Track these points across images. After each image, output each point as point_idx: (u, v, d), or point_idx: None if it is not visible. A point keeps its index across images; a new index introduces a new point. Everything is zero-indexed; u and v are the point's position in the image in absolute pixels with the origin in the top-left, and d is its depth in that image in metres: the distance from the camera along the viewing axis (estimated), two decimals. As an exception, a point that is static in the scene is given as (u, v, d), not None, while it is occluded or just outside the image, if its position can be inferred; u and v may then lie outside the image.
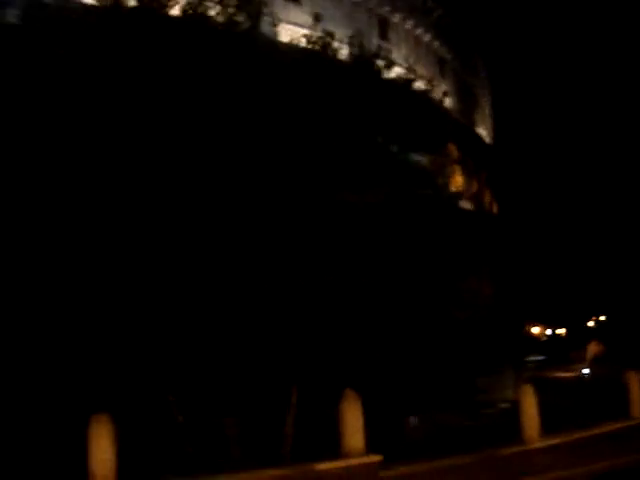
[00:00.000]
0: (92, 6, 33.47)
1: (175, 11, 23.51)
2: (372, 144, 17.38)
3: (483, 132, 54.15)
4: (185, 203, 15.34)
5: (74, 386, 14.23)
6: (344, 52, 39.94)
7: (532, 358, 58.68)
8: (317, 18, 23.24)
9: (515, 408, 25.92)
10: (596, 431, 18.43)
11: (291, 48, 29.81)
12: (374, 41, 43.73)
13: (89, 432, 13.33)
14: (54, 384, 14.23)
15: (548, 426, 18.61)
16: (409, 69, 31.14)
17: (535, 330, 72.95)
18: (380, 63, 20.98)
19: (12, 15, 32.47)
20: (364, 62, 20.66)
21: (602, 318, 74.43)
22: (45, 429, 14.45)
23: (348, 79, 18.35)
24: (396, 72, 23.19)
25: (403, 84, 21.92)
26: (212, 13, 18.82)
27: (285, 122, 15.99)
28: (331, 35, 20.83)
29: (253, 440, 15.68)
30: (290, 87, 16.66)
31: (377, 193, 15.91)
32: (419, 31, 47.68)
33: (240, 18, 18.29)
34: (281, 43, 34.31)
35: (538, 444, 17.72)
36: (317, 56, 19.79)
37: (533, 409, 18.19)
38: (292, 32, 39.12)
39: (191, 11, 20.53)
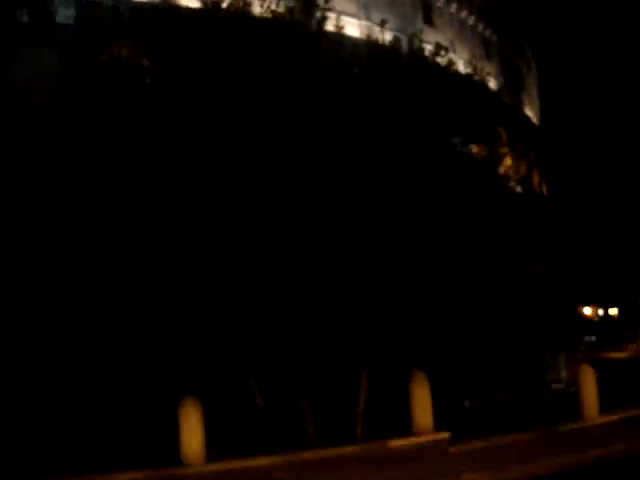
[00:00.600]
0: (141, 3, 34.87)
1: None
2: (436, 137, 18.42)
3: (530, 113, 54.50)
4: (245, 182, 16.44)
5: (164, 371, 15.54)
6: (388, 38, 40.87)
7: (585, 339, 59.08)
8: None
9: (569, 389, 26.76)
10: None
11: (342, 38, 30.93)
12: (418, 26, 44.49)
13: (180, 413, 14.62)
14: (147, 369, 15.57)
15: (606, 405, 19.47)
16: (475, 63, 32.21)
17: (587, 310, 73.17)
18: (442, 60, 21.97)
19: (64, 15, 34.11)
20: (422, 58, 21.62)
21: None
22: (139, 411, 15.81)
23: (409, 73, 19.30)
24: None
25: (464, 78, 23.03)
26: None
27: (354, 115, 17.06)
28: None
29: (326, 420, 16.85)
30: (355, 82, 17.76)
31: (443, 185, 16.98)
32: (463, 14, 48.18)
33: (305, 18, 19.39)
34: (333, 34, 35.47)
35: (597, 421, 18.63)
36: (377, 50, 20.77)
37: (592, 387, 19.07)
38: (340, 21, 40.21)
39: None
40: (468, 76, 28.07)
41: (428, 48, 41.30)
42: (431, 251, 17.82)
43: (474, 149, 20.86)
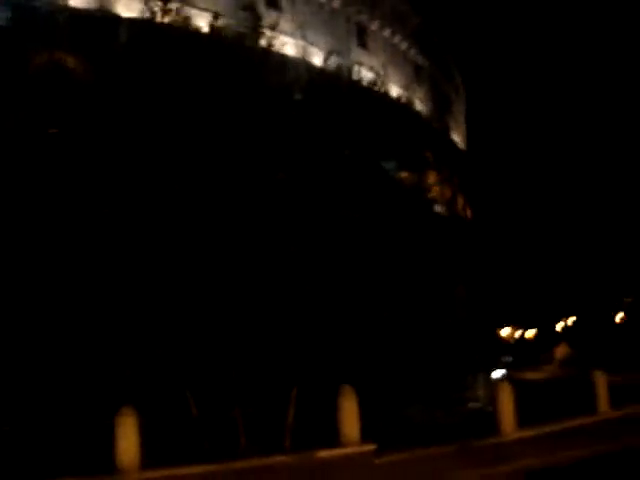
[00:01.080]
0: (78, 10, 35.18)
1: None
2: (367, 161, 19.47)
3: (457, 137, 56.40)
4: (184, 204, 17.13)
5: (103, 382, 16.05)
6: (322, 60, 42.13)
7: (502, 359, 61.07)
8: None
9: (486, 407, 28.00)
10: (567, 424, 20.54)
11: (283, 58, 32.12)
12: (352, 48, 45.78)
13: (116, 421, 15.13)
14: (85, 381, 16.05)
15: (522, 422, 20.66)
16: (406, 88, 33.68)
17: (505, 332, 75.54)
18: (378, 89, 23.14)
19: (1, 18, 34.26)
20: (359, 87, 22.73)
21: (570, 321, 77.18)
22: (76, 420, 16.24)
23: (346, 100, 20.28)
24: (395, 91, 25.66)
25: (403, 106, 24.31)
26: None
27: (285, 136, 17.93)
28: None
29: (257, 431, 17.59)
30: (297, 106, 18.67)
31: (375, 208, 18.02)
32: (396, 39, 49.64)
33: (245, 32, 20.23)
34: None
35: (514, 436, 19.79)
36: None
37: (509, 404, 20.22)
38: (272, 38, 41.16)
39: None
40: (399, 102, 29.43)
41: (362, 72, 43.00)
42: (360, 272, 18.81)
43: (403, 174, 22.02)
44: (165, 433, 16.60)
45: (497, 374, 46.88)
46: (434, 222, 23.58)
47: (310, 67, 26.07)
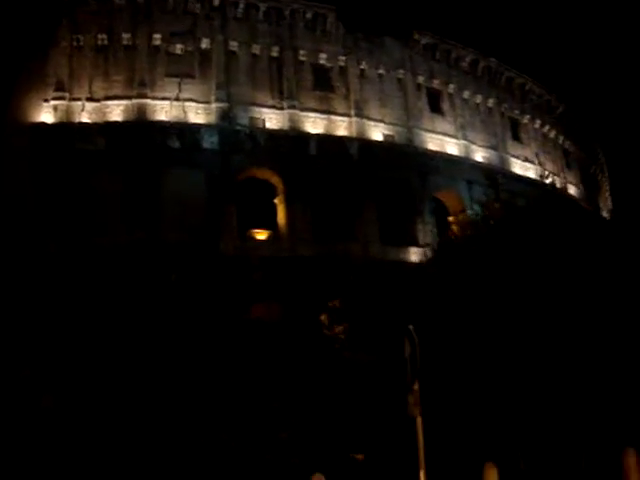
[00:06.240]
0: (274, 130, 43.67)
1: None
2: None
3: (605, 214, 62.25)
4: None
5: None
6: (481, 155, 49.37)
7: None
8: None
9: None
10: None
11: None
12: (508, 142, 52.83)
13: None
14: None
15: None
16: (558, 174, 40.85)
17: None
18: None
19: (209, 142, 43.62)
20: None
21: None
22: None
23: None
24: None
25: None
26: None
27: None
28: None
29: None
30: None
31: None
32: (546, 128, 56.62)
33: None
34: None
35: None
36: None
37: None
38: (438, 140, 48.65)
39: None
40: (554, 188, 35.61)
41: (518, 163, 50.45)
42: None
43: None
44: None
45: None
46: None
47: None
